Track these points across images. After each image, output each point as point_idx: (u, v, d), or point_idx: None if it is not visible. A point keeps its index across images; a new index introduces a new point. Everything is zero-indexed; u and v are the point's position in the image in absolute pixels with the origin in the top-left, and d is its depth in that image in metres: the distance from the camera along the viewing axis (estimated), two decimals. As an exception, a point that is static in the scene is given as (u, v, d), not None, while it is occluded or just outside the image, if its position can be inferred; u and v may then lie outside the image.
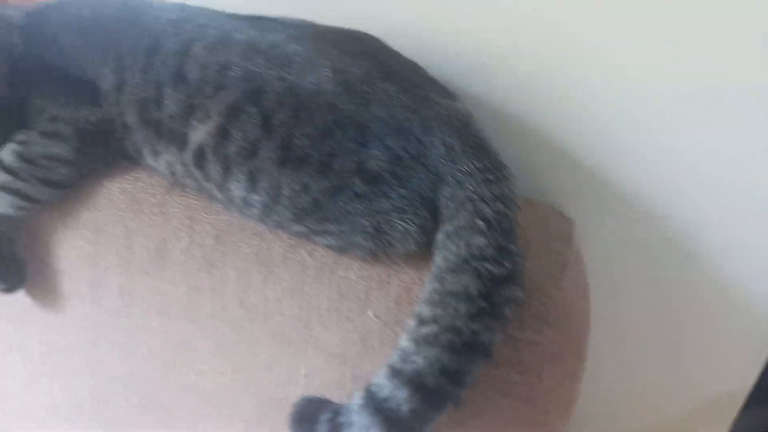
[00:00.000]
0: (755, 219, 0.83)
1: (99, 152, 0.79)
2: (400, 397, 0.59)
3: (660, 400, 1.04)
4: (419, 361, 0.60)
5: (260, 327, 0.78)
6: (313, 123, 0.66)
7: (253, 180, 0.68)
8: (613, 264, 0.92)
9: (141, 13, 0.80)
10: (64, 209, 0.82)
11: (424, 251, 0.69)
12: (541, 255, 0.72)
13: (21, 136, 0.77)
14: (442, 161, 0.66)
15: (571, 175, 0.89)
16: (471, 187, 0.65)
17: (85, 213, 0.82)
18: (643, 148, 0.83)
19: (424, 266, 0.70)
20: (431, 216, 0.66)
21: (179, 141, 0.73)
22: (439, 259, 0.65)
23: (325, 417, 0.64)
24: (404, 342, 0.63)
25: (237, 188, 0.70)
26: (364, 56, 0.71)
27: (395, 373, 0.61)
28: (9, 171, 0.76)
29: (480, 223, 0.63)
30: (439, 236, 0.66)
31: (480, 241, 0.63)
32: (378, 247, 0.68)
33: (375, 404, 0.61)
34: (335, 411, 0.64)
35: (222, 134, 0.68)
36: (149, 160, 0.78)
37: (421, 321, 0.63)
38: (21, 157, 0.76)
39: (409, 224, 0.66)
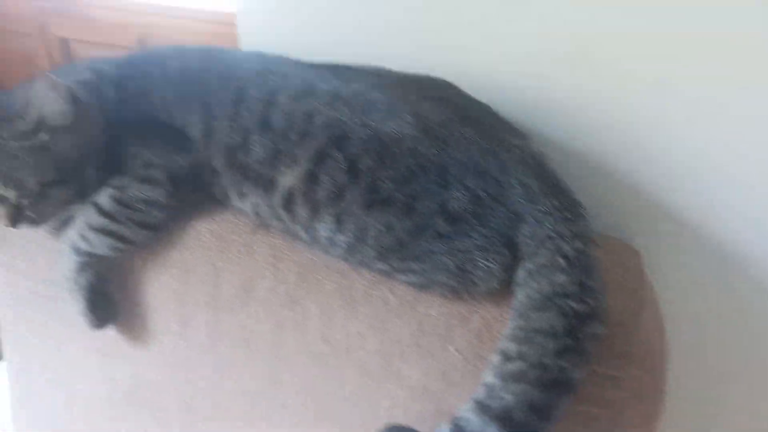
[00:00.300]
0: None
1: (189, 195, 0.83)
2: None
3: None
4: (507, 397, 0.62)
5: (343, 361, 0.81)
6: (397, 167, 0.69)
7: (339, 221, 0.72)
8: (684, 298, 0.92)
9: (225, 63, 0.84)
10: (155, 249, 0.87)
11: (504, 288, 0.71)
12: (618, 290, 0.73)
13: (117, 181, 0.82)
14: (521, 201, 0.68)
15: (639, 209, 0.90)
16: (550, 226, 0.67)
17: (175, 253, 0.86)
18: (717, 182, 0.83)
19: (503, 302, 0.72)
20: (511, 254, 0.68)
21: (266, 184, 0.77)
22: (521, 296, 0.66)
23: None
24: (489, 378, 0.65)
25: (323, 229, 0.73)
26: (441, 101, 0.74)
27: (483, 408, 0.63)
28: (106, 214, 0.81)
29: (561, 261, 0.65)
30: (520, 274, 0.68)
31: (562, 278, 0.64)
32: (460, 285, 0.70)
33: None
34: None
35: (310, 179, 0.72)
36: (236, 202, 0.83)
37: (507, 357, 0.64)
38: (118, 201, 0.81)
39: (491, 262, 0.68)
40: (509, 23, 0.85)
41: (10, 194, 0.78)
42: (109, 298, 0.89)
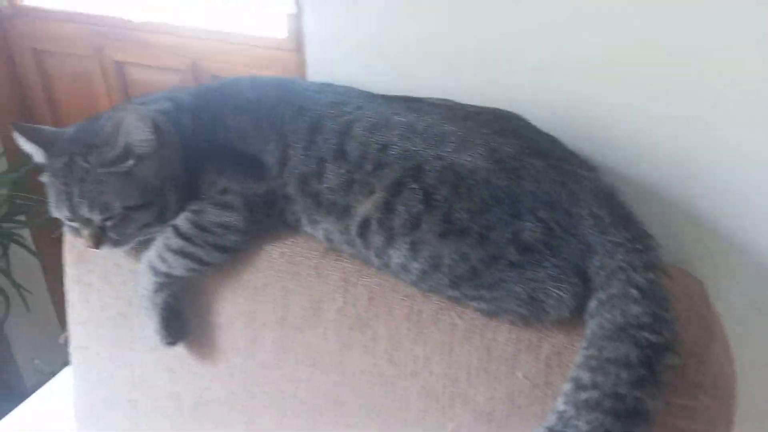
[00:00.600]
0: None
1: (263, 220, 0.86)
2: None
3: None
4: (582, 426, 0.64)
5: (409, 383, 0.83)
6: (472, 198, 0.72)
7: (414, 249, 0.74)
8: (746, 326, 0.92)
9: (299, 94, 0.88)
10: (228, 271, 0.90)
11: (574, 317, 0.73)
12: (686, 319, 0.74)
13: (194, 206, 0.86)
14: (592, 232, 0.70)
15: (701, 238, 0.91)
16: (621, 257, 0.69)
17: (247, 274, 0.90)
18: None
19: (573, 331, 0.74)
20: (583, 283, 0.70)
21: (338, 211, 0.80)
22: (594, 326, 0.68)
23: None
24: (562, 405, 0.67)
25: (397, 256, 0.76)
26: (512, 134, 0.76)
27: None
28: (185, 237, 0.85)
29: (634, 292, 0.67)
30: (592, 304, 0.70)
31: (635, 309, 0.66)
32: (531, 313, 0.72)
33: None
34: None
35: (387, 208, 0.75)
36: (307, 227, 0.86)
37: (580, 386, 0.66)
38: (195, 224, 0.85)
39: (563, 292, 0.70)
40: (574, 55, 0.87)
41: (96, 217, 0.82)
42: (181, 317, 0.93)
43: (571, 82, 0.89)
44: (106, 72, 1.64)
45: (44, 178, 0.87)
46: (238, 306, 0.91)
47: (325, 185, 0.81)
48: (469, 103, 0.85)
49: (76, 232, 0.87)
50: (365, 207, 0.77)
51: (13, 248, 1.78)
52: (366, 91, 0.89)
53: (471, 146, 0.74)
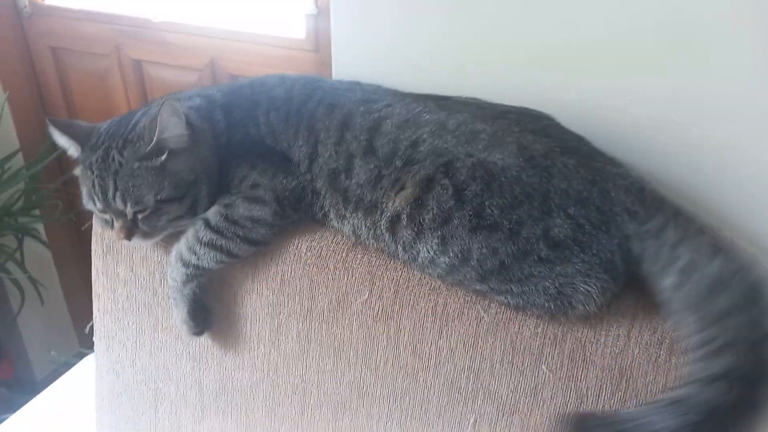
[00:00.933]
0: None
1: (292, 215, 0.89)
2: None
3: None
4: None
5: (432, 375, 0.86)
6: (503, 194, 0.74)
7: (444, 244, 0.76)
8: None
9: (328, 91, 0.90)
10: (256, 263, 0.93)
11: (599, 312, 0.75)
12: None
13: (225, 200, 0.88)
14: (630, 226, 0.73)
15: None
16: (672, 233, 0.72)
17: (274, 267, 0.92)
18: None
19: (598, 325, 0.76)
20: (612, 279, 0.72)
21: (367, 206, 0.83)
22: (681, 296, 0.70)
23: None
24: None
25: (426, 250, 0.78)
26: (543, 133, 0.78)
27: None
28: (215, 230, 0.87)
29: (706, 250, 0.70)
30: (666, 284, 0.72)
31: (716, 263, 0.69)
32: (558, 307, 0.75)
33: None
34: None
35: (417, 203, 0.77)
36: (335, 222, 0.88)
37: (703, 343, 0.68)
38: (226, 218, 0.87)
39: (591, 287, 0.72)
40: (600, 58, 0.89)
41: (129, 209, 0.85)
42: (207, 308, 0.95)
43: (592, 83, 0.91)
44: (123, 70, 1.66)
45: (78, 171, 0.89)
46: (264, 297, 0.93)
47: (353, 181, 0.83)
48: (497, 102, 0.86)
49: (107, 224, 0.90)
50: (395, 202, 0.79)
51: (27, 242, 1.80)
52: (394, 90, 0.91)
53: (502, 144, 0.76)
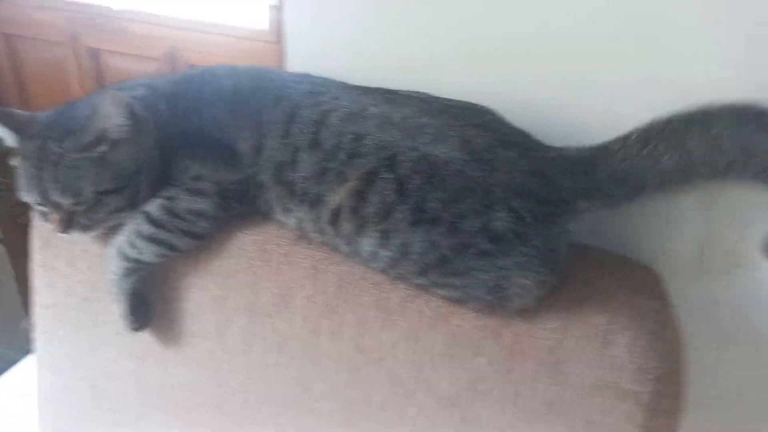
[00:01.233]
0: None
1: (235, 207, 0.88)
2: None
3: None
4: None
5: (375, 369, 0.86)
6: (445, 188, 0.75)
7: (385, 237, 0.77)
8: (704, 319, 0.97)
9: (276, 83, 0.90)
10: (198, 257, 0.91)
11: (537, 305, 0.76)
12: (642, 310, 0.78)
13: (167, 192, 0.87)
14: (582, 204, 0.76)
15: (659, 231, 0.95)
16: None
17: (217, 261, 0.91)
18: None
19: (535, 318, 0.78)
20: (550, 271, 0.74)
21: (311, 200, 0.83)
22: None
23: None
24: None
25: (368, 244, 0.78)
26: (485, 127, 0.79)
27: None
28: (156, 223, 0.86)
29: None
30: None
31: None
32: (497, 300, 0.76)
33: None
34: None
35: (359, 197, 0.77)
36: (279, 215, 0.88)
37: None
38: (167, 210, 0.86)
39: (528, 279, 0.73)
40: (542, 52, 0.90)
41: (66, 201, 0.83)
42: (148, 302, 0.94)
43: (541, 78, 0.92)
44: (79, 59, 1.62)
45: (15, 161, 0.86)
46: (207, 292, 0.92)
47: (299, 174, 0.83)
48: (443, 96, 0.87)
49: (45, 216, 0.87)
50: (338, 195, 0.79)
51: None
52: (344, 83, 0.90)
53: (446, 138, 0.77)
